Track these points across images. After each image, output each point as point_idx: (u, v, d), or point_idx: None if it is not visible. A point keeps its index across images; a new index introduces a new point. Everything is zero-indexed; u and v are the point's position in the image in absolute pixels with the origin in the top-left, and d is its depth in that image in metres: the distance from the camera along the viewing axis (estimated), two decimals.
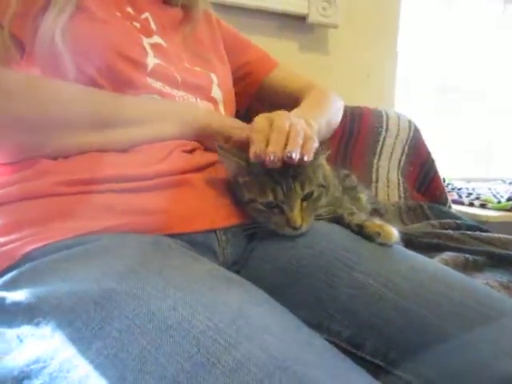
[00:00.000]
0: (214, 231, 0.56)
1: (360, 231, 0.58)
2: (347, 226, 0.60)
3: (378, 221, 0.59)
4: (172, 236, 0.51)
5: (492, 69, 2.07)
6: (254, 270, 0.56)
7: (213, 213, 0.57)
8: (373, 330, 0.46)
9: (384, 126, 1.26)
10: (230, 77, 0.84)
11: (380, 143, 1.24)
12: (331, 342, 0.44)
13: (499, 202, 1.44)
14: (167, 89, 0.66)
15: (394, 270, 0.51)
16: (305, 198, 0.56)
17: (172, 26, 0.77)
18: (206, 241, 0.55)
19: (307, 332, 0.38)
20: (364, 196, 0.77)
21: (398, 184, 1.23)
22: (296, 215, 0.54)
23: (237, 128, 0.64)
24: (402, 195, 1.22)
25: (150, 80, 0.64)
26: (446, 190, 1.61)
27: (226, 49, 0.88)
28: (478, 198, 1.52)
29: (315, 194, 0.57)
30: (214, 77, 0.77)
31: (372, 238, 0.56)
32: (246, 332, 0.33)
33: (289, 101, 0.93)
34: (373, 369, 0.44)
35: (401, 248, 0.58)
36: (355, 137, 1.17)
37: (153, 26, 0.72)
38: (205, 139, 0.66)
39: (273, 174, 0.54)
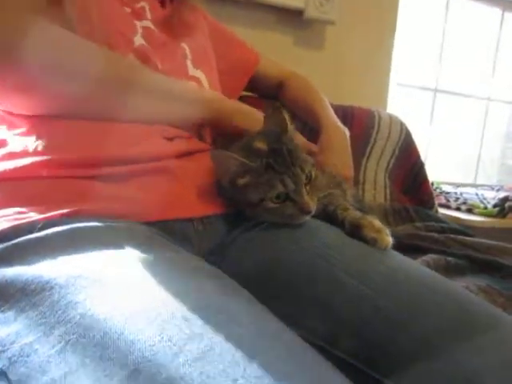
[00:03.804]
0: (191, 220, 0.56)
1: (354, 230, 0.57)
2: (341, 223, 0.60)
3: (376, 221, 0.57)
4: (147, 224, 0.50)
5: (488, 74, 2.09)
6: (233, 261, 0.56)
7: (190, 201, 0.56)
8: (349, 328, 0.46)
9: (375, 128, 1.25)
10: (215, 70, 0.85)
11: (370, 144, 1.24)
12: (307, 339, 0.44)
13: (485, 208, 1.46)
14: None
15: (376, 270, 0.50)
16: (307, 182, 0.57)
17: (166, 16, 0.77)
18: (182, 229, 0.55)
19: (277, 326, 0.37)
20: (349, 195, 0.76)
21: (385, 186, 1.23)
22: (308, 199, 0.55)
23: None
24: (389, 197, 1.22)
25: (131, 56, 0.64)
26: (434, 193, 1.63)
27: (214, 44, 0.89)
28: (465, 203, 1.53)
29: (313, 174, 0.58)
30: (187, 52, 0.76)
31: (366, 240, 0.56)
32: (213, 322, 0.32)
33: (274, 89, 1.07)
34: (346, 367, 0.44)
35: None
36: None
37: (148, 13, 0.72)
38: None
39: (274, 167, 0.55)
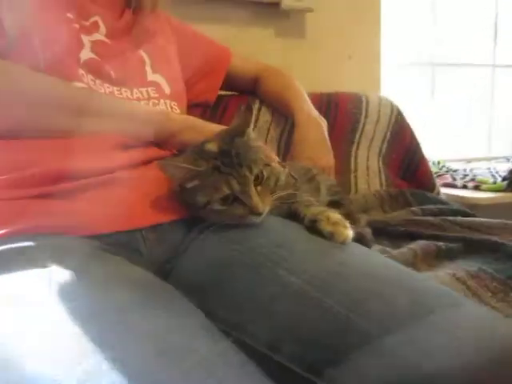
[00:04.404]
0: (140, 230, 0.56)
1: (312, 225, 0.55)
2: (301, 220, 0.58)
3: (334, 215, 0.55)
4: (92, 237, 0.51)
5: (491, 41, 1.98)
6: (184, 268, 0.56)
7: (140, 211, 0.56)
8: (292, 332, 0.44)
9: (363, 112, 1.20)
10: (178, 73, 0.85)
11: (359, 130, 1.19)
12: (250, 346, 0.42)
13: (495, 183, 1.38)
14: (97, 83, 0.67)
15: (323, 266, 0.48)
16: (258, 183, 0.55)
17: (124, 26, 0.78)
18: (130, 241, 0.55)
19: (199, 341, 0.36)
20: (323, 188, 0.73)
21: (379, 172, 1.18)
22: (257, 201, 0.54)
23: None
24: (384, 183, 1.17)
25: (81, 71, 0.65)
26: (439, 173, 1.56)
27: (181, 47, 0.89)
28: (473, 180, 1.45)
29: (265, 174, 0.56)
30: (145, 58, 0.77)
31: (323, 235, 0.53)
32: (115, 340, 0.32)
33: (251, 85, 1.06)
34: (290, 376, 0.42)
35: None
36: (331, 125, 1.10)
37: (101, 27, 0.73)
38: (167, 140, 0.68)
39: (220, 169, 0.54)
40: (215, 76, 0.99)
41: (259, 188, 0.55)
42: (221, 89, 1.03)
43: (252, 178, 0.54)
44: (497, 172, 1.54)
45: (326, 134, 0.96)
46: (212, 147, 0.57)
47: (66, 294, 0.37)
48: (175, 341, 0.34)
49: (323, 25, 1.48)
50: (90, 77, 0.67)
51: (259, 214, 0.54)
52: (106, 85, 0.68)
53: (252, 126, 1.03)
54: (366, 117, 1.20)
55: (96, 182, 0.56)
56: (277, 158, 0.67)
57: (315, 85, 1.18)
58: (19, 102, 0.58)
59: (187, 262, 0.56)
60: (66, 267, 0.41)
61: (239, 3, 1.37)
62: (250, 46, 1.21)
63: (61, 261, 0.43)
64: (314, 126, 0.94)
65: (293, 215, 0.60)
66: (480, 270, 0.70)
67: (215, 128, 0.69)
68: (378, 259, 0.52)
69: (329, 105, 1.18)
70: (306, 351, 0.42)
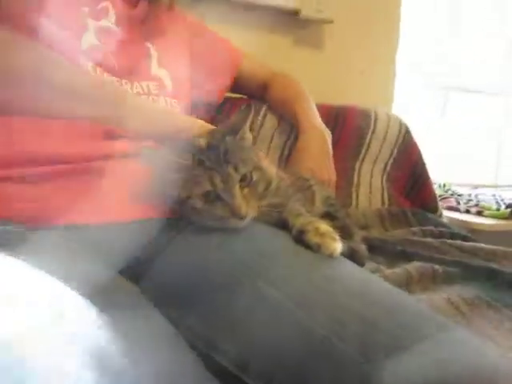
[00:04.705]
0: (113, 226, 0.52)
1: (300, 237, 0.52)
2: (290, 230, 0.55)
3: (322, 226, 0.52)
4: (58, 228, 0.48)
5: (503, 67, 1.96)
6: (157, 271, 0.52)
7: (111, 205, 0.53)
8: (262, 350, 0.40)
9: (371, 127, 1.19)
10: (185, 70, 0.83)
11: (365, 145, 1.17)
12: (219, 364, 0.39)
13: (498, 210, 1.35)
14: (98, 71, 0.65)
15: (306, 280, 0.44)
16: (245, 185, 0.53)
17: (135, 16, 0.75)
18: (101, 236, 0.51)
19: (162, 348, 0.34)
20: (318, 199, 0.71)
21: (382, 189, 1.16)
22: (240, 202, 0.50)
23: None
24: (386, 201, 1.14)
25: (81, 57, 0.63)
26: (444, 195, 1.54)
27: (195, 46, 0.87)
28: (476, 205, 1.43)
29: (254, 178, 0.54)
30: (152, 51, 0.75)
31: (310, 246, 0.51)
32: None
33: (259, 90, 1.03)
34: None
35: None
36: (337, 138, 1.09)
37: (111, 13, 0.71)
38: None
39: (204, 164, 0.51)
40: (225, 77, 0.98)
41: (246, 190, 0.53)
42: (230, 90, 1.01)
43: (238, 177, 0.52)
44: (502, 199, 1.52)
45: (330, 145, 0.94)
46: (201, 142, 0.55)
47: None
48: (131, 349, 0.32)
49: (341, 37, 1.47)
50: (91, 64, 0.65)
51: (241, 218, 0.51)
52: (107, 74, 0.66)
53: (255, 131, 1.01)
54: (373, 132, 1.18)
55: (70, 169, 0.53)
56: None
57: (327, 97, 1.17)
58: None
59: (162, 264, 0.53)
60: (13, 258, 0.38)
61: (259, 9, 1.37)
62: (266, 52, 1.19)
63: (12, 250, 0.39)
64: (317, 135, 0.92)
65: (282, 225, 0.57)
66: (476, 296, 0.67)
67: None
68: (366, 277, 0.49)
69: (336, 118, 1.17)
70: (275, 373, 0.39)
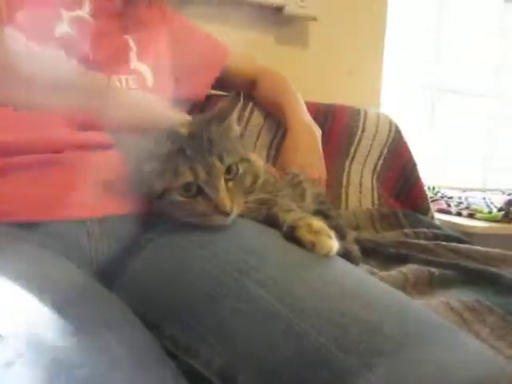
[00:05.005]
0: (83, 222, 0.48)
1: (292, 234, 0.47)
2: (280, 226, 0.50)
3: (316, 222, 0.47)
4: (22, 225, 0.43)
5: (493, 70, 1.96)
6: (133, 273, 0.47)
7: (81, 199, 0.48)
8: (251, 361, 0.35)
9: (360, 126, 1.15)
10: (166, 66, 0.79)
11: (354, 144, 1.13)
12: (200, 374, 0.34)
13: (490, 212, 1.32)
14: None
15: (299, 280, 0.40)
16: (230, 178, 0.47)
17: (112, 8, 0.72)
18: (70, 233, 0.47)
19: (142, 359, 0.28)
20: (309, 195, 0.66)
21: (372, 189, 1.11)
22: (224, 196, 0.45)
23: None
24: (376, 202, 1.10)
25: (55, 47, 0.60)
26: (434, 198, 1.51)
27: (178, 41, 0.84)
28: (467, 208, 1.40)
29: (240, 170, 0.48)
30: (132, 44, 0.71)
31: (303, 244, 0.45)
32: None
33: (247, 87, 0.99)
34: None
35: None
36: (326, 136, 1.04)
37: (86, 4, 0.68)
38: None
39: (185, 152, 0.45)
40: (209, 72, 0.94)
41: (231, 183, 0.47)
42: (215, 88, 0.97)
43: (223, 168, 0.46)
44: (492, 202, 1.49)
45: (320, 142, 0.90)
46: (183, 130, 0.49)
47: None
48: (97, 365, 0.27)
49: (326, 36, 1.44)
50: (64, 54, 0.61)
51: (226, 214, 0.45)
52: (82, 66, 0.62)
53: (241, 127, 0.97)
54: (362, 131, 1.14)
55: (35, 160, 0.48)
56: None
57: (312, 96, 1.13)
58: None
59: (139, 265, 0.47)
60: None
61: (242, 4, 1.33)
62: (248, 49, 1.15)
63: None
64: (307, 132, 0.88)
65: (271, 222, 0.52)
66: (477, 301, 0.62)
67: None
68: (364, 277, 0.45)
69: (326, 116, 1.13)
70: None
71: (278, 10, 1.33)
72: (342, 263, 0.46)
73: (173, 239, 0.48)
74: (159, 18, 0.82)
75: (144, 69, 0.72)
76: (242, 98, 0.53)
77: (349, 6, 1.45)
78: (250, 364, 0.35)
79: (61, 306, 0.31)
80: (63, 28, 0.62)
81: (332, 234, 0.46)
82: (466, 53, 1.88)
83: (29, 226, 0.44)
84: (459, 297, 0.63)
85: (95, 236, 0.48)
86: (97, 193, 0.49)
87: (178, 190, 0.45)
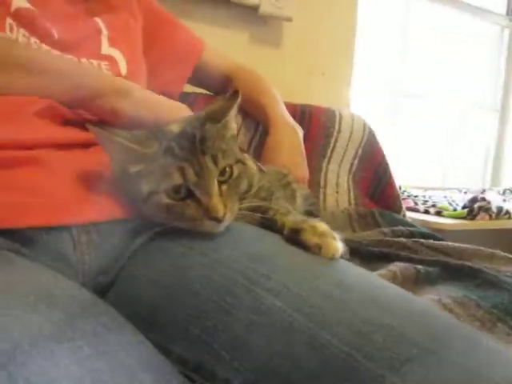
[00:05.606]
0: (68, 230, 0.43)
1: (295, 237, 0.45)
2: (279, 230, 0.48)
3: (320, 224, 0.46)
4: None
5: (452, 74, 2.06)
6: (126, 284, 0.43)
7: (63, 204, 0.43)
8: (274, 377, 0.33)
9: (336, 127, 1.16)
10: (140, 53, 0.74)
11: (331, 145, 1.14)
12: None
13: (455, 210, 1.39)
14: (33, 42, 0.55)
15: (314, 287, 0.38)
16: (224, 180, 0.44)
17: None
18: (53, 242, 0.42)
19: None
20: (299, 196, 0.66)
21: (348, 190, 1.13)
22: (217, 201, 0.42)
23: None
24: (353, 202, 1.12)
25: (9, 21, 0.54)
26: (402, 197, 1.56)
27: (150, 29, 0.79)
28: (433, 206, 1.46)
29: (235, 172, 0.45)
30: (102, 28, 0.66)
31: (308, 247, 0.44)
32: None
33: (221, 83, 0.95)
34: None
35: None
36: (304, 136, 1.06)
37: None
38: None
39: (175, 153, 0.42)
40: (184, 66, 0.89)
41: (224, 187, 0.45)
42: (190, 82, 0.94)
43: (216, 171, 0.43)
44: (453, 200, 1.57)
45: (302, 142, 0.90)
46: (173, 128, 0.46)
47: None
48: None
49: (299, 37, 1.45)
50: (23, 31, 0.55)
51: (218, 221, 0.43)
52: (46, 46, 0.56)
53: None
54: (338, 132, 1.16)
55: (12, 157, 0.43)
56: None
57: (283, 95, 1.13)
58: None
59: (132, 274, 0.44)
60: None
61: (217, 2, 1.30)
62: (221, 47, 1.13)
63: None
64: (290, 132, 0.87)
65: (267, 226, 0.50)
66: (465, 296, 0.65)
67: (175, 107, 0.59)
68: (378, 281, 0.44)
69: (303, 115, 1.13)
70: None
71: (253, 9, 1.32)
72: (351, 267, 0.45)
73: (167, 247, 0.45)
74: (133, 2, 0.77)
75: (116, 54, 0.67)
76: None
77: (322, 8, 1.47)
78: (273, 380, 0.33)
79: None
80: (20, 1, 0.56)
81: (336, 235, 0.46)
82: (429, 57, 1.96)
83: (4, 234, 0.39)
84: (448, 293, 0.65)
85: (82, 245, 0.44)
86: (81, 196, 0.45)
87: (165, 192, 0.43)
